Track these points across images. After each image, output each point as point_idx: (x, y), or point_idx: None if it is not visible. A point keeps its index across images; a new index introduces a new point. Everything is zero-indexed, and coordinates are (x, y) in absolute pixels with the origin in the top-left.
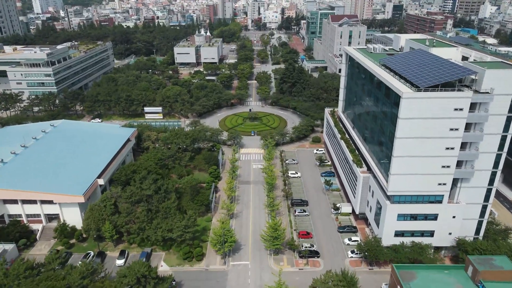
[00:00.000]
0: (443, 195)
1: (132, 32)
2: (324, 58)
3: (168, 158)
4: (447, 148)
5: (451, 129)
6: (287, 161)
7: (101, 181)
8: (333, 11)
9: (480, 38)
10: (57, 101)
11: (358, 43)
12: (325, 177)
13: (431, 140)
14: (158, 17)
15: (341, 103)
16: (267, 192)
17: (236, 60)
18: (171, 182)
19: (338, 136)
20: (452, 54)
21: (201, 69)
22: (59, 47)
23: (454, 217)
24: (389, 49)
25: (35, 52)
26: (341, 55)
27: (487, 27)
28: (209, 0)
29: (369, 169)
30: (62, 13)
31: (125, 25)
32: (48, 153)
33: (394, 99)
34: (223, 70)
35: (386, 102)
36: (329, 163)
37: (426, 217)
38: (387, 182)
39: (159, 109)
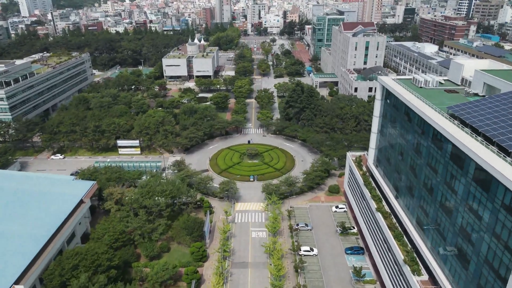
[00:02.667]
0: None
1: (118, 40)
2: (334, 70)
3: (134, 230)
4: None
5: None
6: (297, 226)
7: None
8: (343, 17)
9: (506, 47)
10: (10, 131)
11: (376, 56)
12: (352, 256)
13: None
14: (151, 21)
15: (372, 152)
16: None
17: (233, 74)
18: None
19: (373, 205)
20: None
21: (192, 85)
22: (19, 62)
23: None
24: (444, 80)
25: None
26: (356, 70)
27: (508, 33)
28: (207, 2)
29: (431, 276)
30: (49, 16)
31: (114, 30)
32: None
33: (506, 199)
34: (218, 86)
35: (483, 197)
36: (355, 230)
37: None
38: None
39: (136, 142)
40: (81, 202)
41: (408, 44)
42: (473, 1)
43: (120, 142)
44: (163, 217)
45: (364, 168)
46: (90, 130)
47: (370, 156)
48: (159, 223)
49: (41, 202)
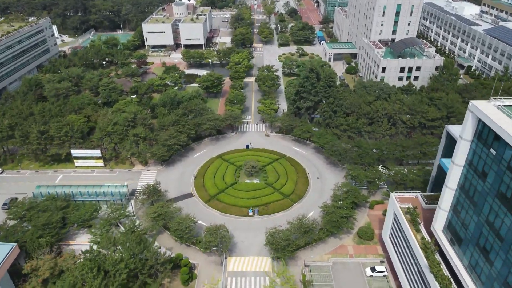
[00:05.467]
0: None
1: None
2: (351, 38)
3: None
4: None
5: None
6: None
7: None
8: None
9: None
10: None
11: (409, 24)
12: None
13: None
14: None
15: (443, 216)
16: None
17: (229, 39)
18: None
19: None
20: None
21: (180, 58)
22: None
23: None
24: None
25: None
26: (383, 42)
27: None
28: None
29: None
30: None
31: None
32: None
33: None
34: (211, 60)
35: None
36: None
37: None
38: None
39: (97, 152)
40: None
41: (441, 2)
42: None
43: (75, 152)
44: None
45: (422, 231)
46: (34, 137)
47: (439, 219)
48: None
49: None
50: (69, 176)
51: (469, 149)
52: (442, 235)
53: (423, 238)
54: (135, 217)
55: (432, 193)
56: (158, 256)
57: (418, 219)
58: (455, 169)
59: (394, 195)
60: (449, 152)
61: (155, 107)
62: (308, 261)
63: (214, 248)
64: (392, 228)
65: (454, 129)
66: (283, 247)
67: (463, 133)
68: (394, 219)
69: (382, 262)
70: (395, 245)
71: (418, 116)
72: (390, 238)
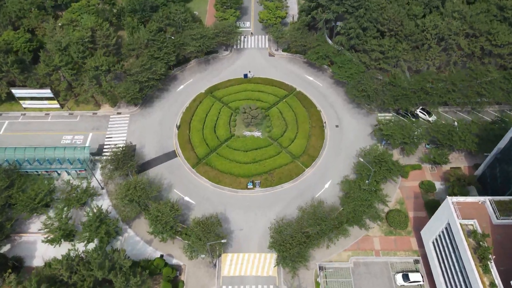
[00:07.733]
0: None
1: None
2: None
3: None
4: None
5: None
6: None
7: None
8: None
9: None
10: None
11: None
12: None
13: None
14: None
15: None
16: None
17: None
18: None
19: None
20: None
21: None
22: None
23: None
24: None
25: None
26: None
27: None
28: None
29: None
30: None
31: None
32: None
33: None
34: None
35: None
36: None
37: None
38: None
39: (46, 92)
40: None
41: None
42: None
43: (17, 92)
44: None
45: (493, 273)
46: None
47: None
48: None
49: None
50: (17, 123)
51: None
52: None
53: (493, 285)
54: (104, 190)
55: (508, 197)
56: (129, 283)
57: (490, 254)
58: None
59: (451, 200)
60: None
61: (121, 15)
62: (323, 262)
63: (203, 256)
64: (440, 237)
65: None
66: (293, 255)
67: None
68: (446, 229)
69: (416, 262)
70: (440, 260)
71: (482, 39)
72: (433, 245)
